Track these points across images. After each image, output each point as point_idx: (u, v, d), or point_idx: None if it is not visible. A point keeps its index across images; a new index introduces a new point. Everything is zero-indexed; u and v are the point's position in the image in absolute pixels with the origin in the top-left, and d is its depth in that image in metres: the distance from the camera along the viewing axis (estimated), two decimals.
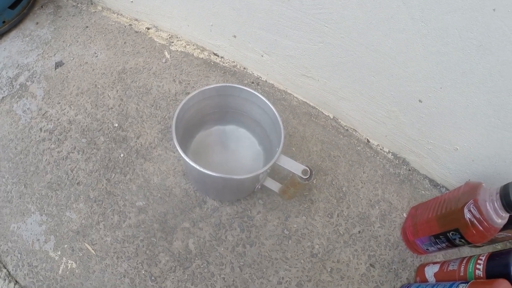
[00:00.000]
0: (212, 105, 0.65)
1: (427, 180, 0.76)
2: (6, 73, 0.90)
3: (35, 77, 0.88)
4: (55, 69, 0.88)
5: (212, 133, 0.71)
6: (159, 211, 0.67)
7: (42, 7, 1.03)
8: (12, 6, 0.95)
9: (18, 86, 0.87)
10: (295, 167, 0.54)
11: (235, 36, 0.79)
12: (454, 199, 0.55)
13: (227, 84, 0.62)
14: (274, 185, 0.63)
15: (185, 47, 0.90)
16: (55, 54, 0.91)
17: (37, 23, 0.99)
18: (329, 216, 0.69)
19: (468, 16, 0.47)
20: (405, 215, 0.71)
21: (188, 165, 0.53)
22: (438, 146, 0.68)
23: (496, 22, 0.46)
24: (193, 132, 0.69)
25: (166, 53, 0.88)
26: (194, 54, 0.88)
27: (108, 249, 0.65)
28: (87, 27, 0.95)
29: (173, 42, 0.91)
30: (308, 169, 0.54)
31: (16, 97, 0.85)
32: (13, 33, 0.98)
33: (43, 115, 0.81)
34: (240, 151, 0.70)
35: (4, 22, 0.95)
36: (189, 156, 0.67)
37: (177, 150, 0.54)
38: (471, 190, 0.53)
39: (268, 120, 0.62)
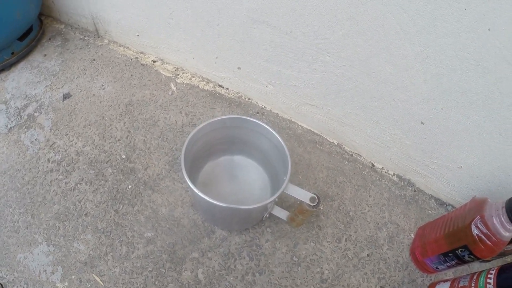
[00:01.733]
0: (220, 136, 0.67)
1: (433, 200, 0.78)
2: (14, 103, 0.92)
3: (43, 108, 0.90)
4: (63, 100, 0.91)
5: (220, 163, 0.73)
6: (167, 241, 0.68)
7: (50, 39, 1.07)
8: (20, 38, 0.99)
9: (26, 117, 0.89)
10: (303, 195, 0.56)
11: (239, 68, 0.83)
12: (461, 216, 0.57)
13: (234, 116, 0.64)
14: (282, 213, 0.64)
15: (190, 79, 0.93)
16: (62, 86, 0.94)
17: (45, 55, 1.03)
18: (338, 241, 0.70)
19: (464, 37, 0.51)
20: (412, 235, 0.72)
21: (197, 196, 0.54)
22: (442, 165, 0.70)
23: (492, 41, 0.49)
24: (201, 163, 0.71)
25: (172, 85, 0.91)
26: (200, 86, 0.92)
27: (116, 280, 0.65)
28: (94, 59, 0.98)
29: (178, 75, 0.94)
30: (316, 197, 0.55)
31: (24, 127, 0.87)
32: (21, 65, 1.01)
33: (50, 146, 0.83)
34: (248, 181, 0.72)
35: (13, 53, 0.99)
36: (197, 187, 0.69)
37: (185, 181, 0.56)
38: (477, 206, 0.54)
39: (275, 149, 0.64)
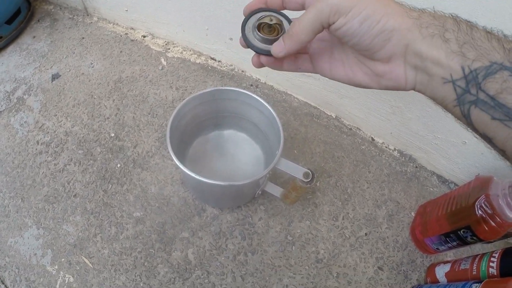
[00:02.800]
0: (209, 110, 0.64)
1: (435, 177, 0.74)
2: (4, 87, 0.90)
3: (32, 90, 0.88)
4: (52, 81, 0.89)
5: (210, 138, 0.70)
6: (157, 221, 0.66)
7: (39, 21, 1.04)
8: (9, 22, 0.96)
9: (15, 100, 0.88)
10: (296, 171, 0.52)
11: (231, 39, 0.78)
12: (464, 195, 0.54)
13: (223, 88, 0.61)
14: (275, 190, 0.61)
15: (181, 53, 0.89)
16: (51, 67, 0.91)
17: (34, 37, 1.00)
18: (334, 219, 0.67)
19: None
20: (413, 214, 0.69)
21: (185, 174, 0.51)
22: (446, 140, 0.66)
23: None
24: (191, 138, 0.68)
25: (162, 60, 0.88)
26: (191, 60, 0.88)
27: (105, 262, 0.63)
28: (83, 38, 0.95)
29: (169, 49, 0.90)
30: (309, 172, 0.52)
31: (13, 111, 0.85)
32: (10, 48, 0.99)
33: (40, 128, 0.81)
34: (240, 156, 0.69)
35: (1, 37, 0.97)
36: (187, 163, 0.66)
37: (173, 157, 0.52)
38: (481, 185, 0.51)
39: (267, 122, 0.60)
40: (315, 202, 0.68)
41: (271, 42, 0.31)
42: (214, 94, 0.61)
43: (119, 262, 0.63)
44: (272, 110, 0.58)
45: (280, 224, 0.65)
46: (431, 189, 0.73)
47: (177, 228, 0.65)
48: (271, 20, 0.31)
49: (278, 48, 0.30)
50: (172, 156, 0.52)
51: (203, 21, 0.79)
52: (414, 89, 0.28)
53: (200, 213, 0.66)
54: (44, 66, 0.92)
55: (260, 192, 0.61)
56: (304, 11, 0.29)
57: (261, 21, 0.32)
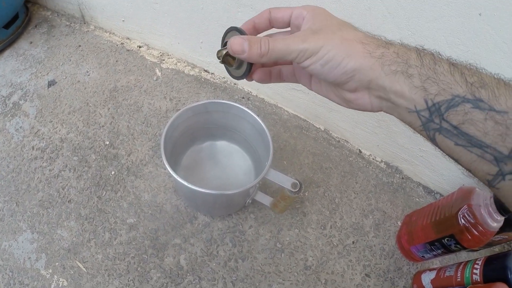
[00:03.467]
0: (202, 121, 0.66)
1: (421, 187, 0.77)
2: (0, 91, 0.90)
3: (28, 96, 0.89)
4: (48, 88, 0.90)
5: (203, 149, 0.72)
6: (150, 227, 0.67)
7: (36, 26, 1.05)
8: (6, 26, 0.97)
9: (11, 105, 0.88)
10: (284, 181, 0.55)
11: None
12: (448, 205, 0.56)
13: (216, 100, 0.63)
14: (265, 199, 0.63)
15: (176, 64, 0.91)
16: (48, 73, 0.92)
17: (31, 43, 1.01)
18: (322, 227, 0.69)
19: (454, 22, 0.49)
20: (399, 223, 0.71)
21: (178, 182, 0.53)
22: (430, 153, 0.69)
23: (483, 26, 0.47)
24: (184, 148, 0.70)
25: (157, 70, 0.90)
26: (185, 71, 0.90)
27: (99, 267, 0.65)
28: (79, 46, 0.96)
29: (164, 60, 0.92)
30: (297, 182, 0.54)
31: (9, 115, 0.86)
32: (7, 52, 0.99)
33: (35, 133, 0.82)
34: (231, 166, 0.71)
35: None
36: (180, 172, 0.68)
37: (166, 166, 0.54)
38: (464, 195, 0.53)
39: (257, 135, 0.63)
40: (303, 211, 0.70)
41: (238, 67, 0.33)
42: (207, 107, 0.63)
43: (112, 267, 0.64)
44: (262, 123, 0.60)
45: (270, 232, 0.68)
46: (417, 199, 0.75)
47: (169, 235, 0.67)
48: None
49: (236, 49, 0.30)
50: (166, 165, 0.54)
51: (198, 34, 0.81)
52: (381, 111, 0.30)
53: (192, 221, 0.68)
54: (40, 72, 0.93)
55: (250, 201, 0.63)
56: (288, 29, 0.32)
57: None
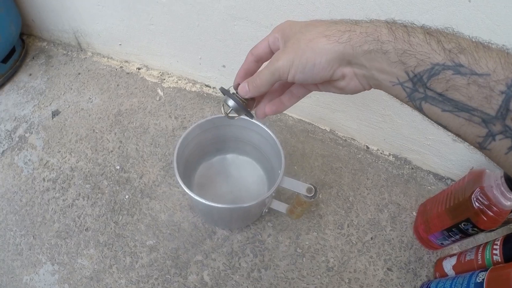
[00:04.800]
0: (211, 136, 0.65)
1: (431, 175, 0.76)
2: (4, 126, 0.90)
3: (33, 128, 0.88)
4: (52, 118, 0.88)
5: (214, 163, 0.71)
6: (170, 247, 0.66)
7: (33, 58, 1.04)
8: (4, 60, 0.96)
9: (17, 139, 0.87)
10: (299, 187, 0.54)
11: (224, 66, 0.80)
12: (461, 190, 0.55)
13: (221, 116, 0.62)
14: (281, 206, 0.62)
15: (177, 82, 0.90)
16: (50, 104, 0.91)
17: (30, 75, 1.00)
18: (340, 227, 0.68)
19: (445, 11, 0.49)
20: (414, 213, 0.71)
21: (194, 200, 0.52)
22: (437, 140, 0.68)
23: (473, 12, 0.47)
24: (195, 165, 0.69)
25: (159, 90, 0.89)
26: (187, 88, 0.89)
27: None
28: (79, 73, 0.95)
29: (164, 79, 0.91)
30: (312, 187, 0.53)
31: (16, 149, 0.85)
32: (7, 87, 0.98)
33: (44, 165, 0.81)
34: (244, 178, 0.70)
35: None
36: (194, 189, 0.67)
37: (181, 185, 0.53)
38: (475, 178, 0.53)
39: (267, 144, 0.62)
40: (319, 214, 0.69)
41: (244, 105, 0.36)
42: (214, 122, 0.62)
43: None
44: (271, 132, 0.59)
45: (289, 238, 0.67)
46: (429, 187, 0.75)
47: (190, 252, 0.65)
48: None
49: (243, 90, 0.34)
50: (181, 184, 0.53)
51: (195, 51, 0.80)
52: (372, 88, 0.31)
53: (211, 236, 0.67)
54: (43, 103, 0.92)
55: (266, 210, 0.62)
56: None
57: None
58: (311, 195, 0.53)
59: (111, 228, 0.70)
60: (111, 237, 0.69)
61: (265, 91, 0.33)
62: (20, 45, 1.02)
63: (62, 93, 0.92)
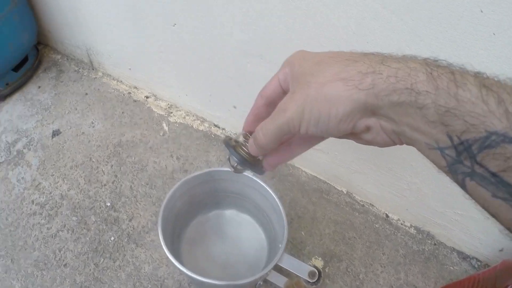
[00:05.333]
0: (208, 189, 0.59)
1: (455, 253, 0.68)
2: (6, 137, 0.86)
3: (32, 144, 0.84)
4: (52, 138, 0.84)
5: (210, 218, 0.65)
6: None
7: (45, 70, 1.01)
8: (16, 69, 0.93)
9: (15, 153, 0.83)
10: (300, 269, 0.47)
11: (235, 107, 0.74)
12: (490, 281, 0.47)
13: (222, 169, 0.56)
14: (279, 280, 0.55)
15: (184, 118, 0.85)
16: (53, 122, 0.87)
17: (39, 87, 0.97)
18: None
19: None
20: None
21: (180, 270, 0.45)
22: (467, 216, 0.60)
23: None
24: (189, 218, 0.63)
25: (164, 125, 0.83)
26: (194, 126, 0.83)
27: None
28: (86, 94, 0.91)
29: (172, 112, 0.86)
30: (315, 271, 0.47)
31: (12, 164, 0.81)
32: (16, 96, 0.96)
33: (36, 186, 0.76)
34: (242, 240, 0.63)
35: (7, 84, 0.93)
36: (183, 246, 0.60)
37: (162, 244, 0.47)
38: (509, 270, 0.45)
39: (270, 207, 0.55)
40: None
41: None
42: (212, 175, 0.56)
43: None
44: (275, 197, 0.52)
45: None
46: (451, 267, 0.66)
47: None
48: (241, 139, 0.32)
49: (251, 149, 0.29)
50: (163, 244, 0.46)
51: (206, 86, 0.74)
52: (403, 144, 0.24)
53: None
54: (46, 120, 0.88)
55: (261, 283, 0.55)
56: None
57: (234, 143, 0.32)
58: (314, 280, 0.46)
59: (90, 270, 0.64)
60: (88, 279, 0.63)
61: (273, 148, 0.27)
62: (34, 55, 0.99)
63: (66, 112, 0.88)
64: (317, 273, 0.47)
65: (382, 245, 0.68)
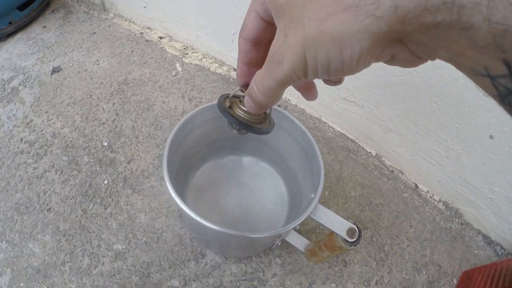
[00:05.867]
0: (225, 127, 0.47)
1: (480, 237, 0.58)
2: (1, 75, 0.77)
3: (28, 81, 0.74)
4: (51, 74, 0.74)
5: (224, 164, 0.53)
6: (141, 259, 0.48)
7: (53, 11, 0.91)
8: (21, 8, 0.84)
9: (9, 90, 0.74)
10: (338, 225, 0.36)
11: None
12: None
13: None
14: (299, 242, 0.44)
15: (201, 60, 0.74)
16: (54, 59, 0.77)
17: (44, 27, 0.86)
18: (366, 283, 0.49)
19: None
20: (455, 281, 0.53)
21: (183, 212, 0.34)
22: (503, 195, 0.51)
23: None
24: (199, 161, 0.51)
25: (177, 65, 0.72)
26: (211, 69, 0.72)
27: None
28: (94, 33, 0.81)
29: (187, 54, 0.75)
30: (355, 229, 0.36)
31: (4, 101, 0.71)
32: (18, 35, 0.86)
33: (27, 124, 0.66)
34: (259, 192, 0.52)
35: (10, 23, 0.84)
36: (190, 192, 0.49)
37: (165, 179, 0.36)
38: None
39: (301, 153, 0.44)
40: (344, 260, 0.50)
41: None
42: None
43: None
44: (311, 138, 0.41)
45: (299, 284, 0.48)
46: (476, 251, 0.56)
47: (165, 273, 0.47)
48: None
49: (249, 106, 0.23)
50: (166, 177, 0.35)
51: (229, 24, 0.63)
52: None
53: (198, 258, 0.49)
54: (47, 58, 0.77)
55: (279, 243, 0.44)
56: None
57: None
58: (353, 240, 0.35)
59: (76, 216, 0.53)
60: (73, 227, 0.52)
61: (275, 103, 0.22)
62: None
63: (70, 50, 0.78)
64: (357, 231, 0.36)
65: (409, 217, 0.57)
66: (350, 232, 0.35)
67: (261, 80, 0.20)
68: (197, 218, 0.31)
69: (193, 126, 0.44)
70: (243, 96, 0.25)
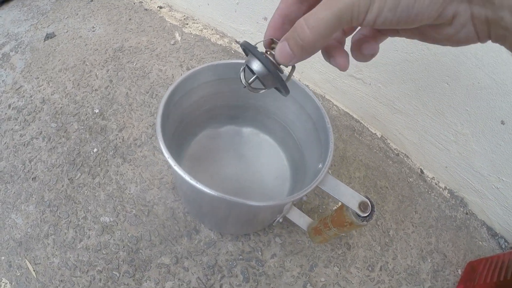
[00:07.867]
0: (226, 93, 0.40)
1: (484, 228, 0.53)
2: None
3: (20, 47, 0.66)
4: (44, 40, 0.66)
5: (222, 134, 0.46)
6: (130, 234, 0.42)
7: None
8: None
9: (0, 56, 0.65)
10: (349, 197, 0.30)
11: (265, 19, 0.56)
12: None
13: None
14: (301, 220, 0.38)
15: (201, 30, 0.66)
16: (49, 26, 0.69)
17: None
18: (370, 268, 0.44)
19: None
20: (460, 272, 0.48)
21: (177, 174, 0.28)
22: (511, 185, 0.46)
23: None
24: (195, 128, 0.44)
25: (176, 34, 0.65)
26: (212, 40, 0.65)
27: (53, 275, 0.41)
28: (91, 1, 0.73)
29: (187, 24, 0.67)
30: (367, 203, 0.30)
31: None
32: (13, 2, 0.79)
33: (16, 89, 0.59)
34: (259, 165, 0.45)
35: None
36: (184, 161, 0.43)
37: (160, 143, 0.29)
38: None
39: (307, 122, 0.38)
40: (348, 243, 0.44)
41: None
42: (237, 69, 0.38)
43: (70, 279, 0.40)
44: (318, 102, 0.35)
45: (300, 266, 0.42)
46: (480, 242, 0.51)
47: (155, 249, 0.41)
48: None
49: (283, 53, 0.18)
50: (160, 142, 0.29)
51: None
52: (490, 40, 0.16)
53: (191, 234, 0.42)
54: (41, 24, 0.70)
55: (280, 220, 0.37)
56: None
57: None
58: (366, 215, 0.29)
59: (62, 186, 0.47)
60: (59, 197, 0.46)
61: (321, 48, 0.19)
62: None
63: (65, 17, 0.70)
64: (370, 205, 0.30)
65: (415, 202, 0.51)
66: (363, 205, 0.29)
67: (315, 13, 0.16)
68: (192, 182, 0.25)
69: (192, 87, 0.37)
70: (266, 51, 0.21)
